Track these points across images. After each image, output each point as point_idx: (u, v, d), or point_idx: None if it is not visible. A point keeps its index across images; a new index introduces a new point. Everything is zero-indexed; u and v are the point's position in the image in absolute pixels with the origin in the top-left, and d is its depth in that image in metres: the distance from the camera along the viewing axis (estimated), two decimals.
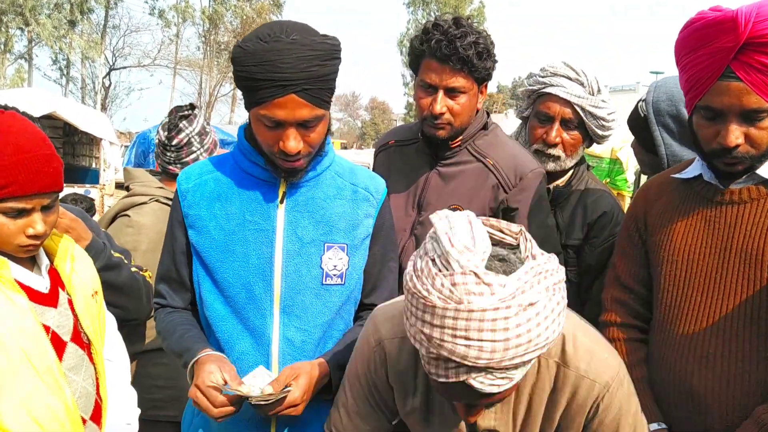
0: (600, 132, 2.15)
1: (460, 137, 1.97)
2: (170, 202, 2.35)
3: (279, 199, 1.56)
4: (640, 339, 1.72)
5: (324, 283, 1.56)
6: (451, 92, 1.87)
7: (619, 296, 1.76)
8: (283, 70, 1.38)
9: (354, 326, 1.65)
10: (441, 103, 1.87)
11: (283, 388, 1.43)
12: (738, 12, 1.39)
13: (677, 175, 1.67)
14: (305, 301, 1.55)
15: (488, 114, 2.07)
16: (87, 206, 4.56)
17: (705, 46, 1.44)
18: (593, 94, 2.11)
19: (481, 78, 1.90)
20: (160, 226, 2.30)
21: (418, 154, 2.05)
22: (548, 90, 2.11)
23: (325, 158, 1.61)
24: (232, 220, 1.56)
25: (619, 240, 1.82)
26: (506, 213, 1.95)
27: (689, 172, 1.65)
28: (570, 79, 2.10)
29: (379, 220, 1.64)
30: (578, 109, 2.09)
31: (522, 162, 1.97)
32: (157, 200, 2.39)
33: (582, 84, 2.10)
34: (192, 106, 2.53)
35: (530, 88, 2.17)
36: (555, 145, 2.12)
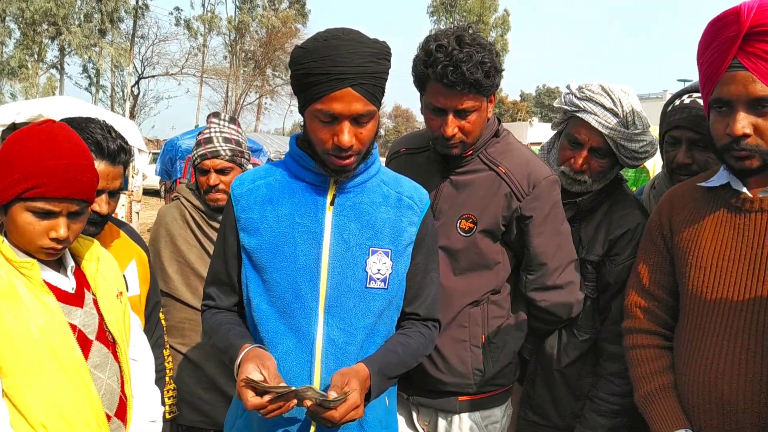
0: (630, 162, 2.03)
1: (472, 146, 1.95)
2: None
3: (329, 202, 1.61)
4: (665, 346, 1.70)
5: (368, 286, 1.59)
6: (461, 113, 1.85)
7: (642, 303, 1.74)
8: (340, 64, 1.48)
9: (396, 334, 1.67)
10: (452, 126, 1.85)
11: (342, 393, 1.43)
12: (741, 5, 1.45)
13: (703, 184, 1.66)
14: (349, 303, 1.58)
15: (499, 120, 2.03)
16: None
17: (713, 42, 1.49)
18: (627, 127, 1.97)
19: (490, 93, 1.87)
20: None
21: (429, 163, 2.03)
22: (580, 115, 1.99)
23: (373, 165, 1.66)
24: (282, 221, 1.61)
25: (642, 246, 1.80)
26: (520, 221, 1.92)
27: (715, 181, 1.63)
28: (604, 107, 1.97)
29: (422, 229, 1.67)
30: (609, 141, 1.98)
31: (535, 169, 1.93)
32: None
33: (616, 114, 1.97)
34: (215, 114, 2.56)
35: (564, 106, 2.06)
36: (582, 172, 2.02)
